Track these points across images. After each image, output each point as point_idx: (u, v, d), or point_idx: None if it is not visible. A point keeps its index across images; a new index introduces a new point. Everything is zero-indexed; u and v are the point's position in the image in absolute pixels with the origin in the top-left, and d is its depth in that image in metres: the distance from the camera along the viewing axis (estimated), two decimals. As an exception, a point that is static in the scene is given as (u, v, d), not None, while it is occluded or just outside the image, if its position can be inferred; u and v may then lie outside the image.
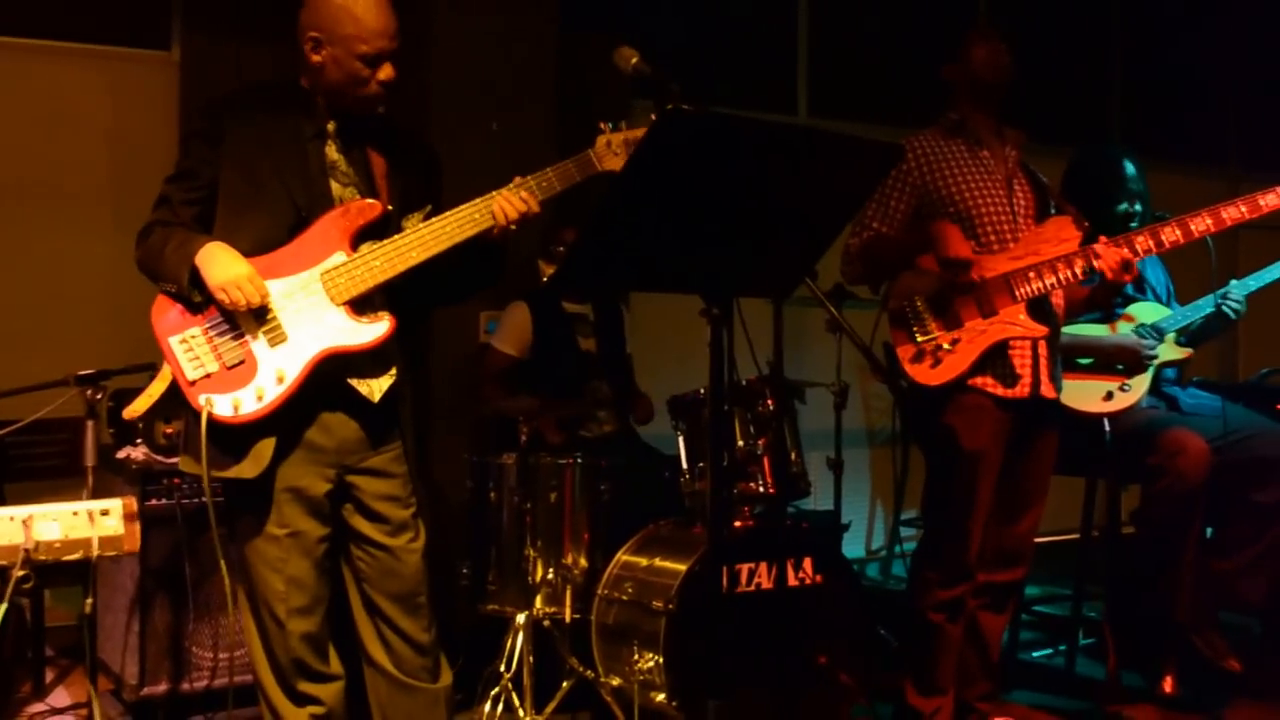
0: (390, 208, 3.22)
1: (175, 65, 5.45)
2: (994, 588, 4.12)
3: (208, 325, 3.09)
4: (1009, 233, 3.99)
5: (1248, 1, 8.43)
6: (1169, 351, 4.62)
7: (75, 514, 3.15)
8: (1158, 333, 4.59)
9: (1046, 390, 3.97)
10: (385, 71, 3.14)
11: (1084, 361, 4.46)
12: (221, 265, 3.02)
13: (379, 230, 3.18)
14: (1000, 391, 3.90)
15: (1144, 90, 8.32)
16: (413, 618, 3.35)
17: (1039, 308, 3.94)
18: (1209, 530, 4.76)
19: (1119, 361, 4.53)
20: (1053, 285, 3.90)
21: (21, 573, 3.06)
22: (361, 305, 3.13)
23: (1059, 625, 5.39)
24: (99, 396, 3.70)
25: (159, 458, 4.22)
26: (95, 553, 3.18)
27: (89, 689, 3.49)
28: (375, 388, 3.20)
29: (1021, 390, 3.91)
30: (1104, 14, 8.20)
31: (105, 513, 3.21)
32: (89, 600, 3.49)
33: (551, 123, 5.57)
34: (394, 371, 3.22)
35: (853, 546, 6.09)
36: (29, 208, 5.29)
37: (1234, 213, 3.99)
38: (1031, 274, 3.89)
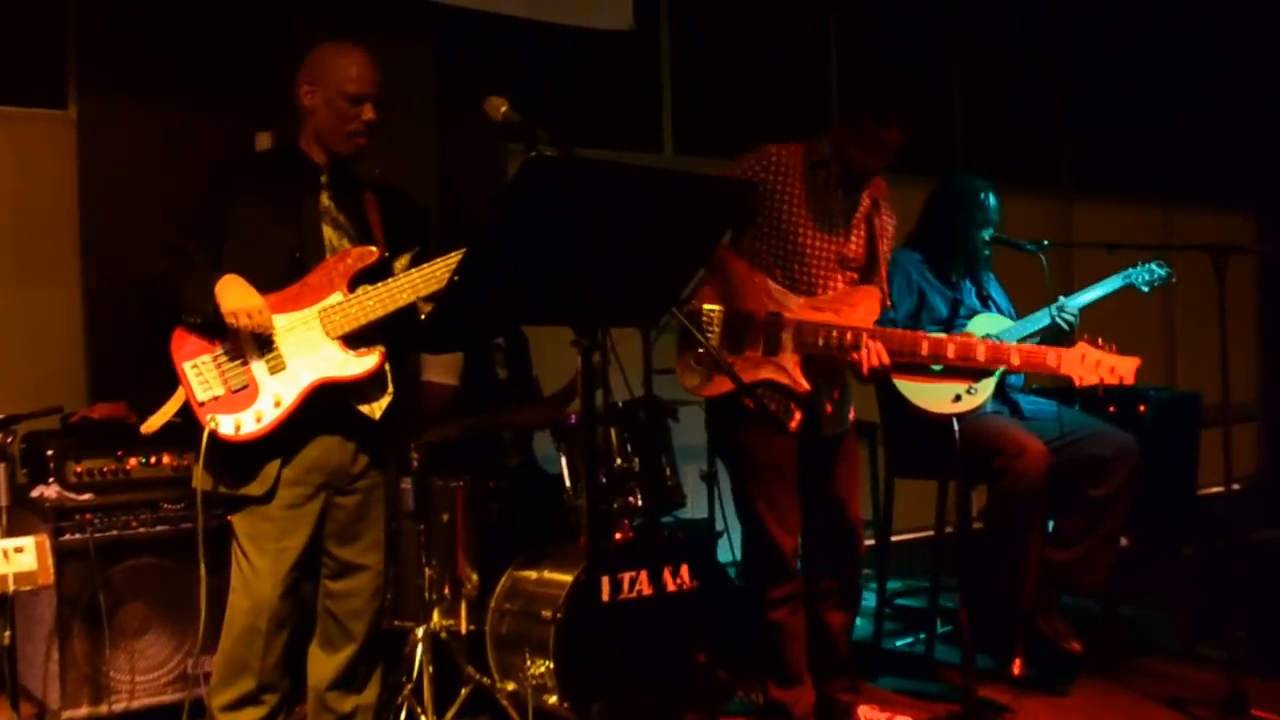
0: (386, 254, 3.47)
1: (72, 123, 5.42)
2: (831, 591, 4.19)
3: (217, 353, 3.33)
4: (823, 280, 4.02)
5: (1081, 28, 8.72)
6: None
7: (-9, 551, 3.19)
8: (1000, 340, 4.74)
9: (827, 429, 4.07)
10: (368, 112, 3.43)
11: (935, 367, 4.60)
12: (234, 295, 3.27)
13: (375, 274, 3.42)
14: (778, 417, 3.97)
15: (982, 115, 8.47)
16: (359, 632, 3.59)
17: (822, 359, 3.97)
18: (1050, 524, 4.92)
19: (967, 366, 4.63)
20: (834, 349, 3.91)
21: (-59, 608, 3.09)
22: (355, 340, 3.38)
23: (918, 616, 5.56)
24: (9, 440, 3.73)
25: (71, 495, 4.24)
26: (11, 588, 3.21)
27: (11, 716, 3.52)
28: (376, 408, 3.46)
29: (795, 425, 3.98)
30: (945, 44, 8.36)
31: (20, 550, 3.24)
32: (7, 632, 3.53)
33: (431, 167, 5.67)
34: (391, 391, 3.48)
35: (728, 551, 6.21)
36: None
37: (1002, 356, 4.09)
38: (820, 333, 3.93)
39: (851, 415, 4.25)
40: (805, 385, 3.94)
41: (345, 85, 3.41)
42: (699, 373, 4.00)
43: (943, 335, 4.15)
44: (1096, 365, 4.01)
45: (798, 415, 3.99)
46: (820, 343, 3.93)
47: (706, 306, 4.00)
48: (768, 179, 4.00)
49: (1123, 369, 4.00)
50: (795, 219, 4.01)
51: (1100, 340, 4.05)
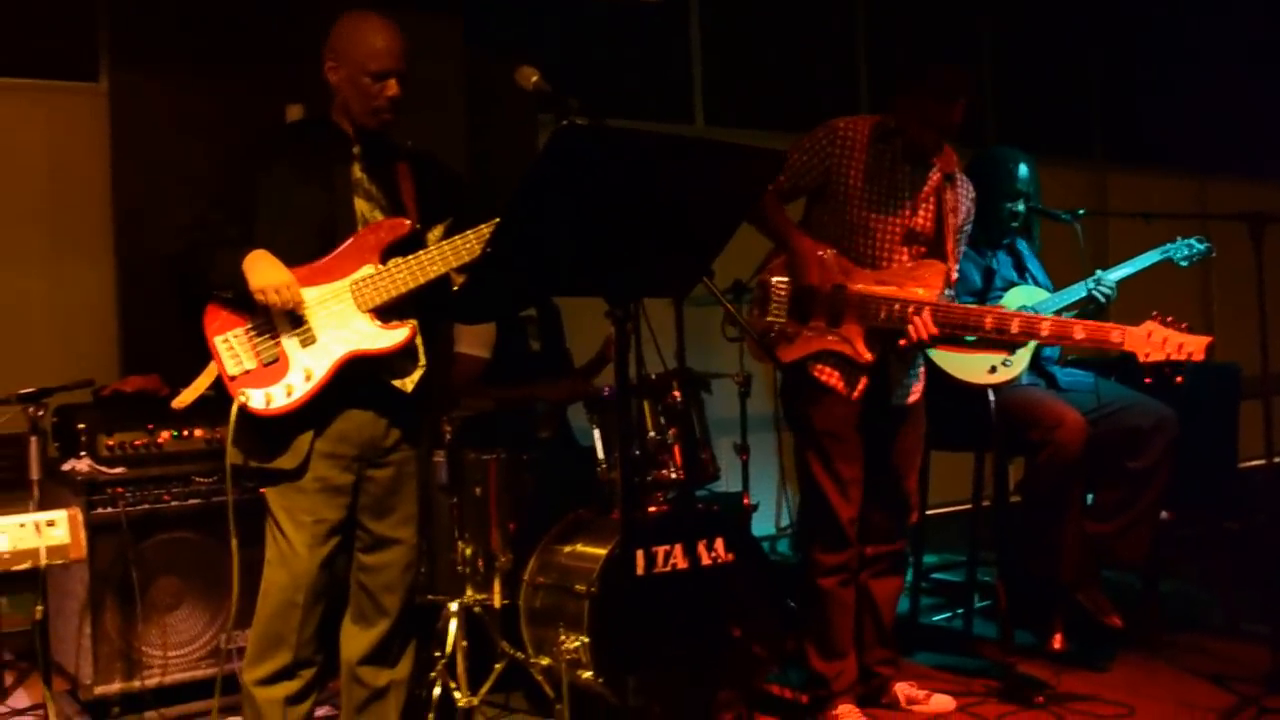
0: (418, 226, 3.40)
1: (104, 96, 5.41)
2: (881, 558, 4.23)
3: (249, 327, 3.28)
4: (887, 254, 4.03)
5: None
6: None
7: (22, 525, 3.15)
8: (1036, 312, 4.67)
9: (894, 399, 4.08)
10: (391, 88, 3.35)
11: (970, 337, 4.54)
12: (261, 271, 3.21)
13: (407, 246, 3.35)
14: (840, 386, 3.99)
15: (1013, 89, 8.40)
16: (392, 607, 3.53)
17: (884, 333, 3.97)
18: (1089, 496, 4.83)
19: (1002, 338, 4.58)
20: (896, 323, 3.92)
21: (-27, 583, 3.06)
22: (386, 313, 3.32)
23: (956, 590, 5.50)
24: (40, 413, 3.70)
25: (102, 469, 4.21)
26: (43, 562, 3.18)
27: (44, 691, 3.49)
28: (409, 381, 3.41)
29: (855, 394, 4.00)
30: (974, 13, 8.27)
31: (51, 523, 3.21)
32: (39, 607, 3.50)
33: (462, 139, 5.61)
34: (424, 364, 3.42)
35: (763, 525, 6.16)
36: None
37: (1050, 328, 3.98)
38: (883, 306, 3.94)
39: (920, 388, 4.21)
40: (868, 356, 3.96)
41: (367, 62, 3.33)
42: (768, 339, 4.01)
43: (1006, 310, 4.13)
44: (1164, 343, 3.87)
45: (861, 384, 4.00)
46: (882, 316, 3.95)
47: (775, 279, 4.04)
48: (833, 152, 4.01)
49: (1192, 346, 3.86)
50: (861, 193, 4.02)
51: (1170, 318, 3.93)
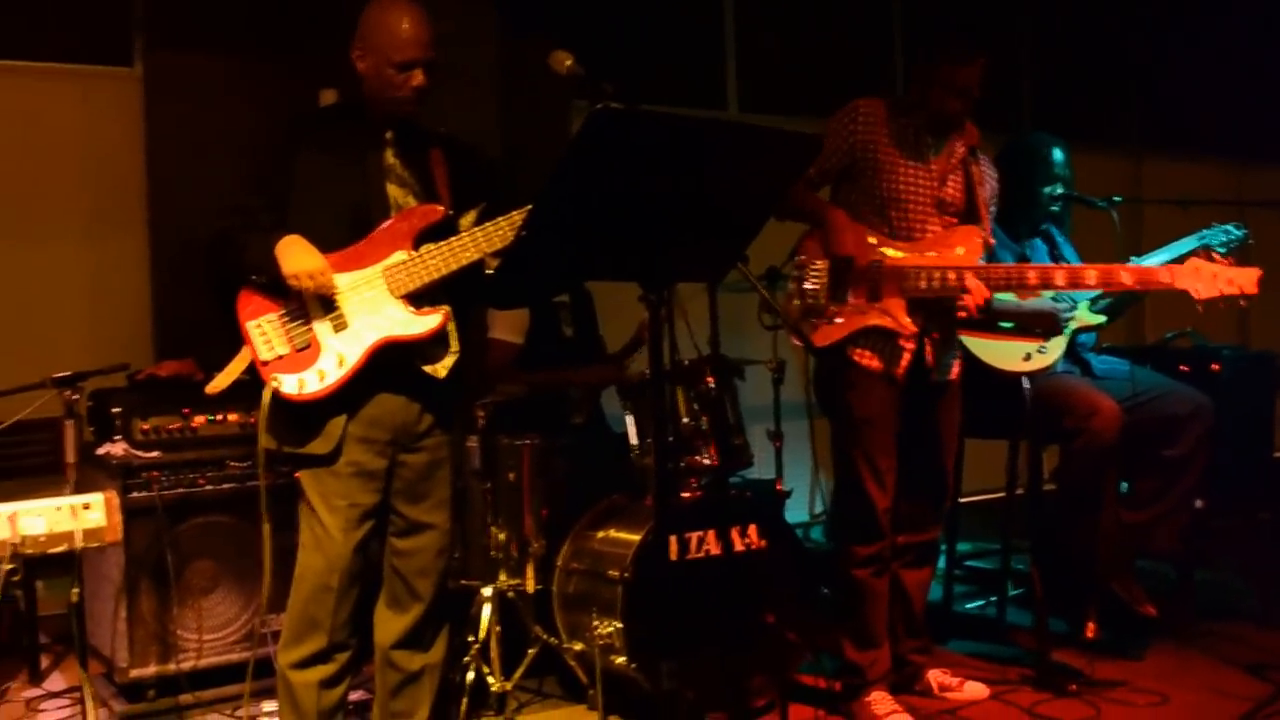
0: (451, 212, 3.39)
1: (139, 80, 5.44)
2: (911, 548, 4.20)
3: (282, 313, 3.27)
4: (920, 225, 4.01)
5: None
6: (1085, 317, 4.65)
7: (59, 509, 3.16)
8: (1072, 300, 4.64)
9: (935, 374, 4.03)
10: (416, 78, 3.32)
11: (1006, 325, 4.51)
12: (295, 256, 3.21)
13: (440, 232, 3.34)
14: (880, 367, 3.96)
15: (1050, 76, 8.37)
16: (425, 591, 3.53)
17: (927, 301, 3.95)
18: (1124, 485, 4.81)
19: (1037, 325, 4.53)
20: (938, 290, 3.91)
21: (9, 566, 3.06)
22: (419, 299, 3.31)
23: (989, 578, 5.45)
24: (76, 397, 3.71)
25: (138, 453, 4.22)
26: (79, 545, 3.19)
27: (81, 673, 3.50)
28: (441, 366, 3.40)
29: (899, 370, 3.96)
30: (1011, 8, 8.24)
31: (87, 506, 3.22)
32: (75, 590, 3.51)
33: (495, 124, 5.60)
34: (456, 350, 3.41)
35: (796, 512, 6.14)
36: (3, 217, 5.26)
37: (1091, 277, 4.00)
38: (923, 274, 3.91)
39: (957, 367, 4.18)
40: (911, 327, 3.93)
41: (392, 52, 3.30)
42: (807, 324, 3.97)
43: (1049, 265, 4.14)
44: (1214, 278, 3.87)
45: (904, 361, 3.96)
46: (923, 285, 3.93)
47: (810, 259, 4.00)
48: (856, 130, 4.00)
49: (1242, 280, 3.85)
50: (888, 167, 4.00)
51: (1215, 255, 3.89)
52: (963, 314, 3.91)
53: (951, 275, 3.89)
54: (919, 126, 4.02)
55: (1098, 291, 4.64)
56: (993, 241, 4.11)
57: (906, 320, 3.91)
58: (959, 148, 4.07)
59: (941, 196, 4.04)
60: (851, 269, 3.93)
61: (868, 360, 3.97)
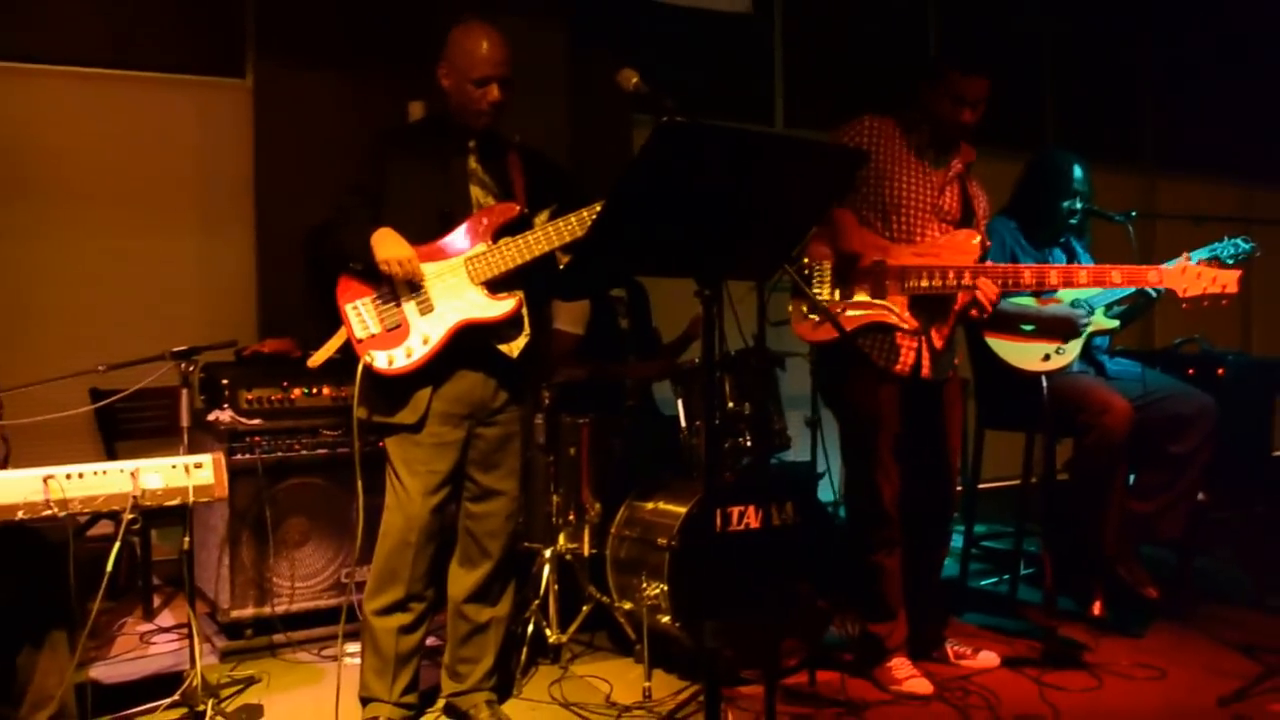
0: (525, 210, 3.48)
1: (249, 91, 5.52)
2: (925, 530, 4.14)
3: (375, 296, 3.38)
4: (920, 228, 3.97)
5: (1165, 12, 8.44)
6: (1101, 321, 4.64)
7: (174, 467, 3.22)
8: (1089, 306, 4.62)
9: (925, 373, 3.97)
10: (493, 93, 3.42)
11: (1027, 328, 4.49)
12: (387, 246, 3.32)
13: (516, 227, 3.44)
14: (883, 364, 3.93)
15: (1071, 96, 8.30)
16: (495, 551, 3.60)
17: (926, 302, 3.92)
18: (1131, 477, 4.78)
19: (1056, 328, 4.53)
20: (939, 288, 3.88)
21: (130, 516, 3.13)
22: (496, 286, 3.40)
23: (1003, 558, 5.45)
24: (190, 369, 3.79)
25: (242, 420, 4.31)
26: (191, 499, 3.25)
27: (189, 612, 3.59)
28: (515, 347, 3.49)
29: (901, 368, 3.93)
30: (1037, 25, 8.17)
31: (199, 466, 3.28)
32: (186, 539, 3.60)
33: (564, 137, 5.65)
34: (529, 333, 3.50)
35: (829, 491, 6.14)
36: (130, 215, 5.37)
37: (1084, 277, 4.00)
38: (924, 274, 3.88)
39: (957, 363, 4.16)
40: (914, 323, 3.90)
41: (470, 71, 3.40)
42: (810, 320, 3.95)
43: (1045, 264, 4.10)
44: (1198, 277, 3.90)
45: (905, 359, 3.94)
46: (925, 283, 3.90)
47: (816, 258, 3.98)
48: (863, 141, 3.98)
49: (1225, 278, 3.86)
50: (892, 175, 3.98)
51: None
52: (975, 312, 3.89)
53: (952, 274, 3.88)
54: (923, 142, 4.01)
55: (1114, 297, 4.64)
56: (989, 244, 4.08)
57: (909, 317, 3.90)
58: (956, 164, 4.05)
59: (940, 204, 4.02)
60: (856, 268, 3.92)
61: (876, 354, 3.94)
